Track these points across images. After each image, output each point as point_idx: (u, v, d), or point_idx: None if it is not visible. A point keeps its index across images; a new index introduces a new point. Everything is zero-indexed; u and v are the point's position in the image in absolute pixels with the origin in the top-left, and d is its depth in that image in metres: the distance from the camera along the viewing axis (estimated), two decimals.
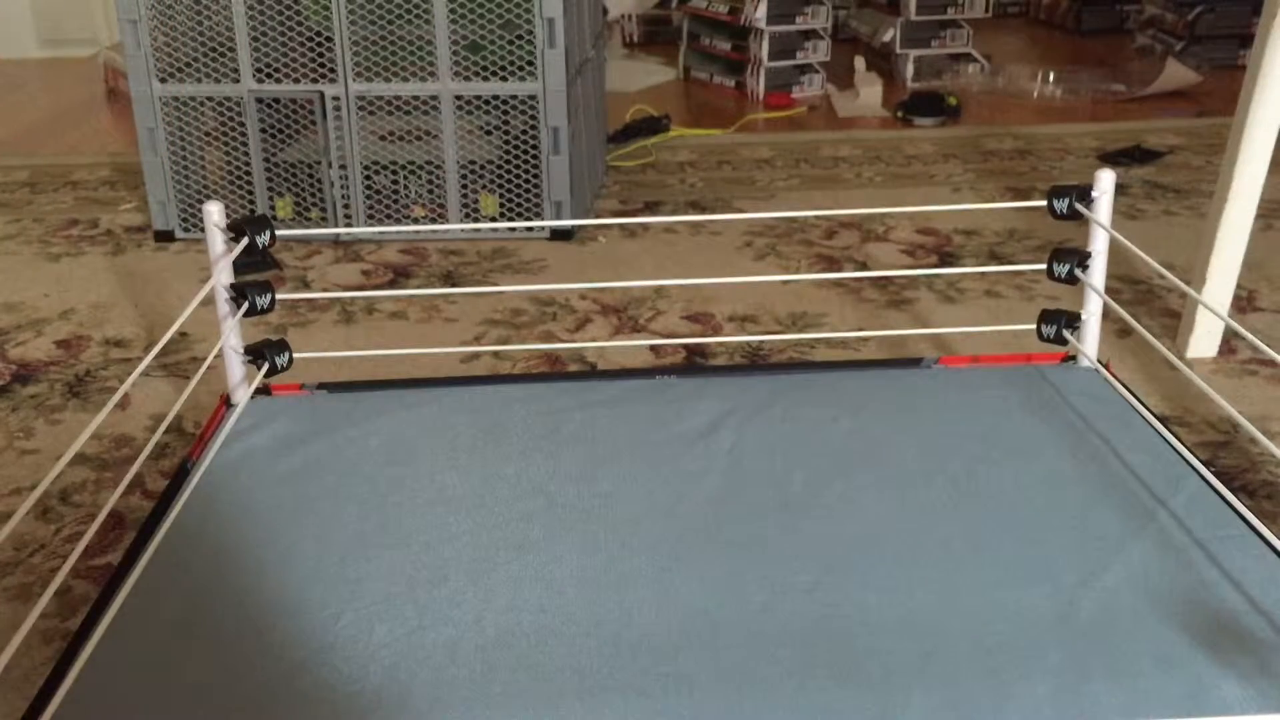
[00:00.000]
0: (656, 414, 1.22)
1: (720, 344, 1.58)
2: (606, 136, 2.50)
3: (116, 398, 1.05)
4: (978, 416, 1.20)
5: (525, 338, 1.63)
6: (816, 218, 2.07)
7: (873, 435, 1.17)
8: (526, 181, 2.01)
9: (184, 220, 2.05)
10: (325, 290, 1.81)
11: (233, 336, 1.25)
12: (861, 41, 3.38)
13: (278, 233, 1.27)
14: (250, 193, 2.04)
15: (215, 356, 1.25)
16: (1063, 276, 1.29)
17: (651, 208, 2.20)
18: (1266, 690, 0.81)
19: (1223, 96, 2.94)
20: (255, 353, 1.26)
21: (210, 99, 2.01)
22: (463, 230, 2.03)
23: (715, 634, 0.89)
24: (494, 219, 2.03)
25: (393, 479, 1.11)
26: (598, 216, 2.15)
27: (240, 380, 1.27)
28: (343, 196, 2.02)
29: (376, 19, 1.94)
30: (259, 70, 1.96)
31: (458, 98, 1.96)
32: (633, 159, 2.51)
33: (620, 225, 2.06)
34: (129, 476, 1.03)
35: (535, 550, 1.00)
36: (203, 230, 1.33)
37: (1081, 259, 1.27)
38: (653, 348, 1.58)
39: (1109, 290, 1.30)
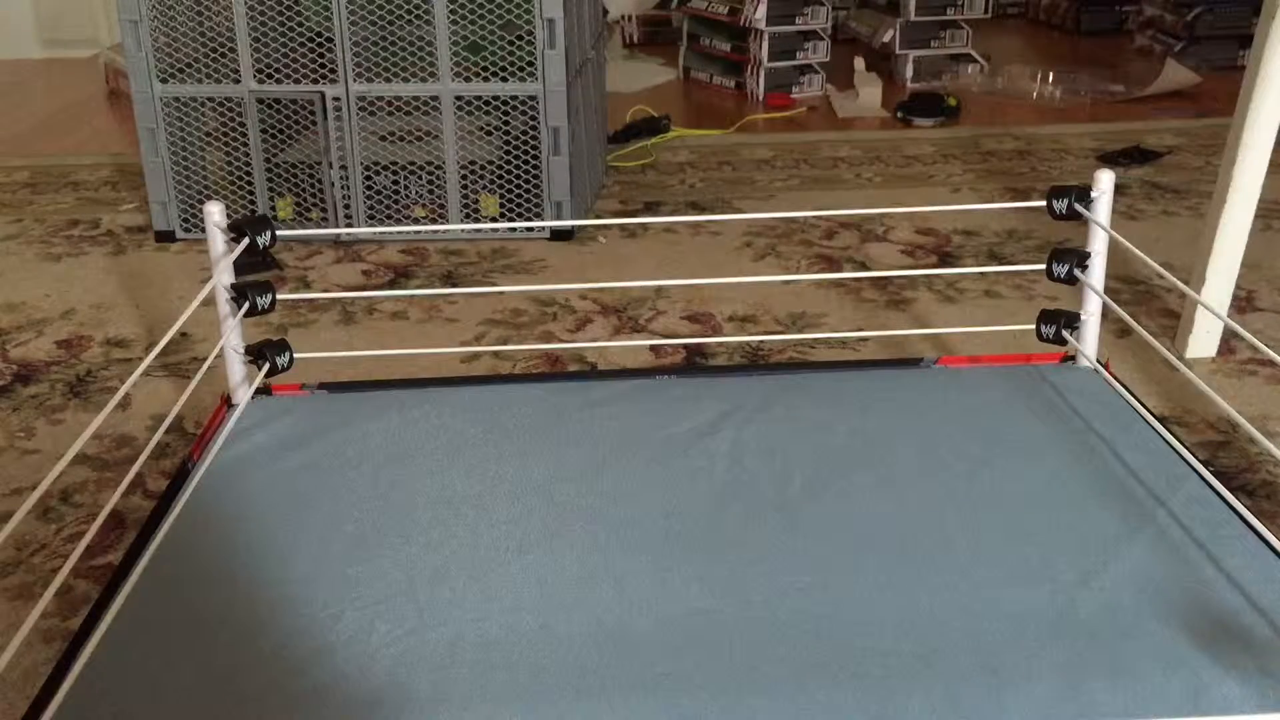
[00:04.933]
0: (656, 414, 1.22)
1: (720, 344, 1.58)
2: (606, 137, 2.50)
3: (117, 398, 1.05)
4: (977, 416, 1.20)
5: (525, 338, 1.63)
6: (816, 218, 2.07)
7: (873, 435, 1.17)
8: (526, 182, 2.02)
9: (185, 220, 2.05)
10: (326, 290, 1.81)
11: (233, 336, 1.25)
12: (861, 42, 3.38)
13: (278, 233, 1.27)
14: (251, 193, 2.04)
15: (216, 357, 1.25)
16: (1062, 277, 1.29)
17: (651, 208, 2.20)
18: (1266, 690, 0.81)
19: (1222, 97, 2.94)
20: (256, 353, 1.27)
21: (211, 99, 2.01)
22: (463, 230, 2.03)
23: (715, 634, 0.89)
24: (494, 219, 2.03)
25: (393, 479, 1.11)
26: (598, 217, 2.16)
27: (241, 380, 1.27)
28: (343, 197, 2.02)
29: (377, 19, 1.94)
30: (260, 71, 1.96)
31: (458, 98, 1.96)
32: (633, 159, 2.51)
33: (620, 225, 2.06)
34: (130, 476, 1.03)
35: (535, 550, 1.00)
36: (203, 230, 1.33)
37: (1081, 259, 1.27)
38: (653, 348, 1.58)
39: (1108, 290, 1.30)
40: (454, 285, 1.82)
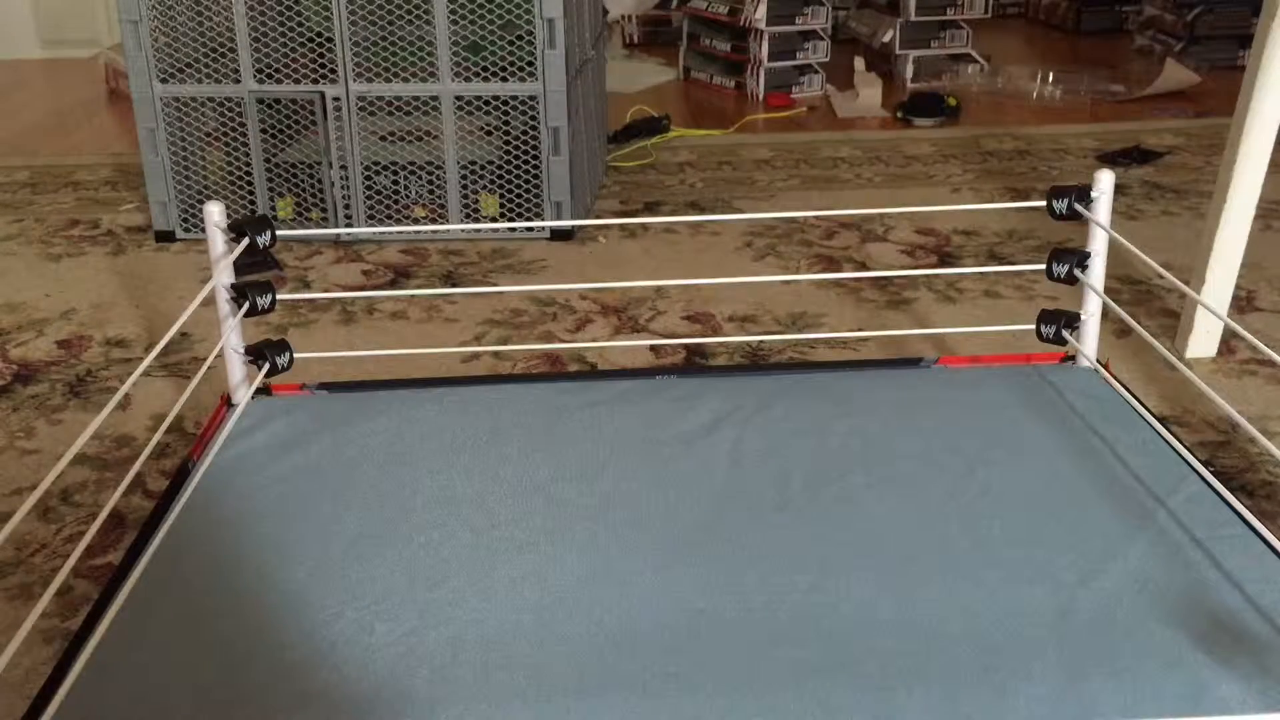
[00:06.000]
0: (657, 414, 1.22)
1: (720, 344, 1.58)
2: (606, 137, 2.50)
3: (117, 398, 1.05)
4: (977, 416, 1.20)
5: (525, 338, 1.63)
6: (816, 218, 2.07)
7: (873, 435, 1.17)
8: (526, 182, 2.02)
9: (185, 220, 2.05)
10: (326, 290, 1.81)
11: (233, 336, 1.25)
12: (861, 42, 3.38)
13: (278, 233, 1.27)
14: (251, 193, 2.04)
15: (216, 356, 1.25)
16: (1062, 277, 1.29)
17: (651, 208, 2.20)
18: (1266, 690, 0.81)
19: (1222, 97, 2.94)
20: (256, 353, 1.27)
21: (211, 99, 2.01)
22: (463, 230, 2.03)
23: (715, 634, 0.89)
24: (494, 219, 2.03)
25: (393, 479, 1.11)
26: (598, 216, 2.16)
27: (241, 380, 1.27)
28: (343, 197, 2.02)
29: (377, 19, 1.94)
30: (260, 71, 1.96)
31: (458, 98, 1.96)
32: (633, 159, 2.51)
33: (620, 225, 2.06)
34: (130, 476, 1.03)
35: (535, 550, 1.00)
36: (203, 230, 1.33)
37: (1081, 259, 1.27)
38: (653, 348, 1.58)
39: (1108, 290, 1.30)
40: (454, 285, 1.82)
